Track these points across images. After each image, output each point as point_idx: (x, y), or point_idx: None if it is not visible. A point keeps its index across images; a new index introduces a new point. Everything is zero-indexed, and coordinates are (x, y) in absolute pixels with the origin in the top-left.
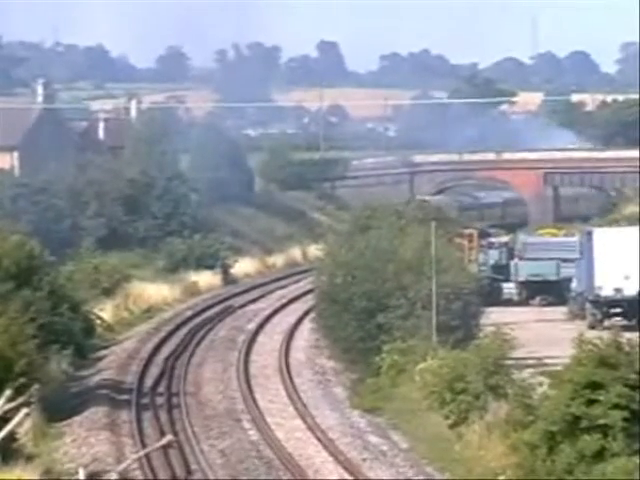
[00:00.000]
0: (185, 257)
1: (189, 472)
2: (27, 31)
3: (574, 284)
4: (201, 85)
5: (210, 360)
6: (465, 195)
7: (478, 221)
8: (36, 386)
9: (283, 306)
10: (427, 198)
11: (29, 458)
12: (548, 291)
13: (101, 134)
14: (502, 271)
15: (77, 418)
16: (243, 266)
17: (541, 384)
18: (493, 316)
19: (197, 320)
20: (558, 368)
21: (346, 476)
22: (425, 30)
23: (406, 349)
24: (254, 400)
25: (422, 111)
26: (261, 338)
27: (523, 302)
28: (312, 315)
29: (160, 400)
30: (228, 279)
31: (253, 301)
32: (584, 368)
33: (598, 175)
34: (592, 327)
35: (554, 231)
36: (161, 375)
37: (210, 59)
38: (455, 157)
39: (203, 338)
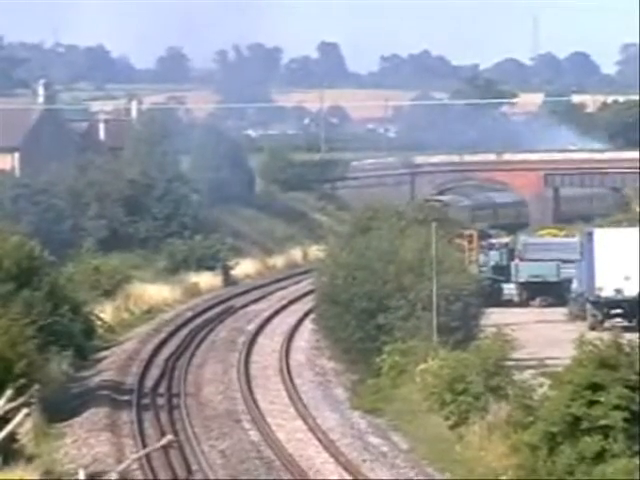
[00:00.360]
0: (186, 258)
1: (189, 472)
2: (28, 32)
3: (574, 285)
4: (201, 86)
5: (211, 361)
6: (478, 194)
7: (493, 220)
8: (36, 387)
9: (283, 307)
10: (441, 198)
11: (29, 459)
12: (548, 292)
13: (101, 135)
14: (502, 272)
15: (78, 419)
16: (244, 267)
17: (542, 385)
18: (493, 317)
19: (198, 321)
20: (559, 369)
21: (347, 477)
22: (425, 31)
23: (407, 350)
24: (254, 401)
25: (422, 112)
26: (261, 339)
27: (523, 303)
28: (312, 316)
29: (160, 401)
30: (229, 280)
31: (254, 302)
32: (585, 369)
33: (598, 176)
34: (592, 328)
35: (555, 232)
36: (161, 376)
37: (210, 60)
38: (456, 158)
39: (204, 339)
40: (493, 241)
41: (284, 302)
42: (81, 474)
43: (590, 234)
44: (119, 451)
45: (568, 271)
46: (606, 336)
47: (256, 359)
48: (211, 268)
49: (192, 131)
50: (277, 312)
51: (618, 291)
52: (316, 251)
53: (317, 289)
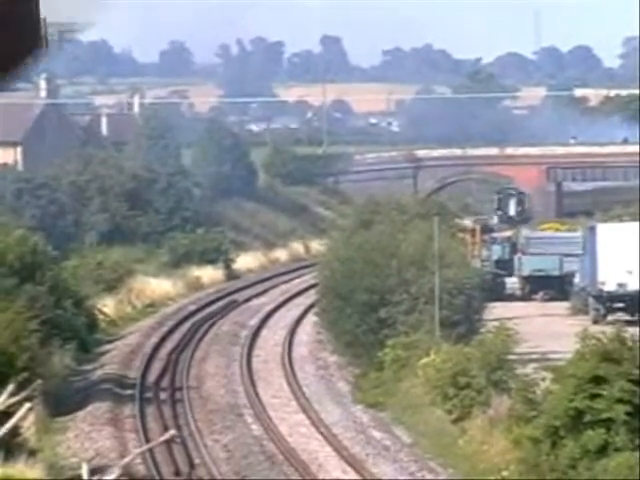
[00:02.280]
0: (188, 252)
1: (192, 467)
2: None
3: (577, 279)
4: (204, 80)
5: (213, 355)
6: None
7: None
8: (39, 381)
9: (286, 301)
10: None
11: (32, 453)
12: (551, 286)
13: (104, 129)
14: (505, 266)
15: (80, 413)
16: (246, 261)
17: (544, 379)
18: (496, 311)
19: (200, 315)
20: (561, 363)
21: (349, 471)
22: (428, 25)
23: (409, 344)
24: (257, 395)
25: (425, 106)
26: (264, 333)
27: (526, 297)
28: (315, 309)
29: (163, 395)
30: (231, 274)
31: (256, 296)
32: (587, 363)
33: (600, 170)
34: (595, 322)
35: (557, 226)
36: (164, 370)
37: (213, 54)
38: (458, 152)
39: (206, 333)
40: (496, 235)
41: (287, 296)
42: (85, 469)
43: (593, 228)
44: (122, 445)
45: (571, 265)
46: (609, 330)
47: (258, 353)
48: (213, 262)
49: (195, 125)
50: (280, 306)
51: (621, 285)
52: (320, 246)
53: (319, 283)
